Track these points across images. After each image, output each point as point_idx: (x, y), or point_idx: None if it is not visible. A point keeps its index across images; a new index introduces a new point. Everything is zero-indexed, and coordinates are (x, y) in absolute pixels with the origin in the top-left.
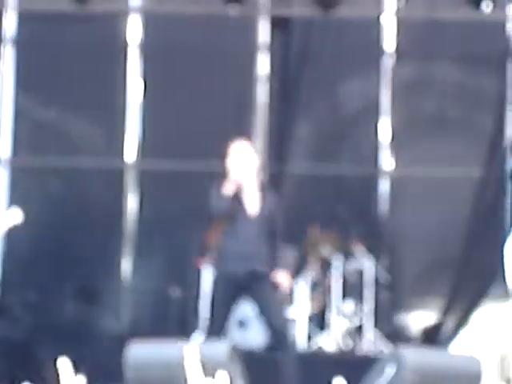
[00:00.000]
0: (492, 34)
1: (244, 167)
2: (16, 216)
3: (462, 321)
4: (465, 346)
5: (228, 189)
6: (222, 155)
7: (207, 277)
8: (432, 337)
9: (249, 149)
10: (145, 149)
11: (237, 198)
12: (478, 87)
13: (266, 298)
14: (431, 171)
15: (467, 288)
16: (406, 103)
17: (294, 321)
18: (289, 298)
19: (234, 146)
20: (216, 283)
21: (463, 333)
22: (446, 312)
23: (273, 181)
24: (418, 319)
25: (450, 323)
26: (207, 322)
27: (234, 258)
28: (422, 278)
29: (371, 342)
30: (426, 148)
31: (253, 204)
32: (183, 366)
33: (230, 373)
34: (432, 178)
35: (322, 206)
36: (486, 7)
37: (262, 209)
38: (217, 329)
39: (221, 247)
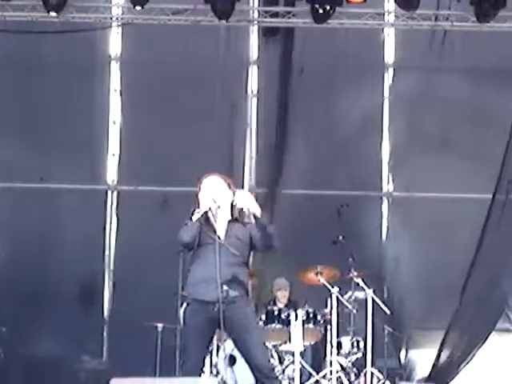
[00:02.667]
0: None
1: (212, 198)
2: None
3: (466, 355)
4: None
5: (195, 217)
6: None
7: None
8: (435, 374)
9: (219, 181)
10: (125, 170)
11: (206, 225)
12: (485, 102)
13: (242, 327)
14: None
15: (473, 320)
16: (408, 120)
17: (291, 354)
18: (285, 331)
19: (205, 179)
20: (189, 311)
21: (468, 366)
22: (448, 347)
23: (266, 201)
24: (420, 355)
25: (453, 358)
26: (186, 354)
27: (204, 285)
28: (424, 309)
29: (370, 377)
30: (429, 169)
31: (221, 231)
32: None
33: None
34: (434, 199)
35: (320, 226)
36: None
37: (234, 235)
38: (195, 360)
39: (190, 274)
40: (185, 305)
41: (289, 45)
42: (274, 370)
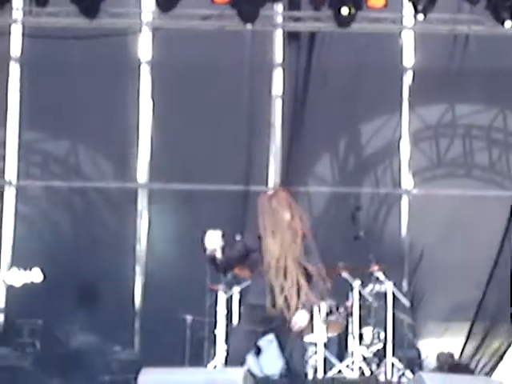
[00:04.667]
0: None
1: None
2: (36, 276)
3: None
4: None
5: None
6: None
7: (223, 302)
8: (453, 363)
9: (281, 200)
10: (156, 169)
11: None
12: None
13: (285, 334)
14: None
15: (497, 312)
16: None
17: (313, 346)
18: (309, 325)
19: (263, 199)
20: (243, 315)
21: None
22: (469, 339)
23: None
24: (439, 346)
25: (473, 350)
26: (226, 350)
27: (261, 294)
28: (444, 303)
29: (391, 368)
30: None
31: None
32: None
33: None
34: (456, 197)
35: (341, 227)
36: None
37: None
38: (236, 358)
39: (251, 283)
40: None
41: (311, 48)
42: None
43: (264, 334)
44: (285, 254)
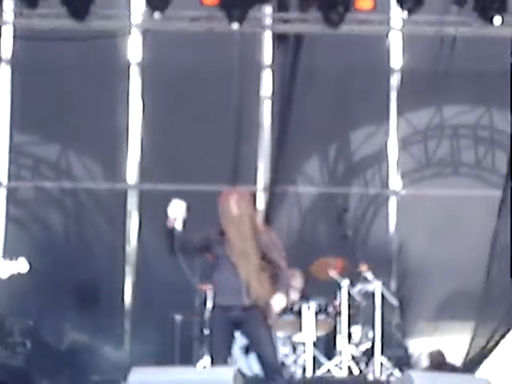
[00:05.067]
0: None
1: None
2: (22, 266)
3: (494, 344)
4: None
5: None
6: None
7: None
8: (441, 362)
9: (239, 199)
10: (146, 170)
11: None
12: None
13: (255, 332)
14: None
15: (498, 309)
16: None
17: (302, 345)
18: (297, 322)
19: (223, 197)
20: (212, 316)
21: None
22: (478, 337)
23: (276, 201)
24: (427, 344)
25: (482, 347)
26: (210, 350)
27: (225, 293)
28: (432, 301)
29: (380, 367)
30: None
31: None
32: None
33: None
34: (443, 197)
35: (329, 227)
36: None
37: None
38: (220, 357)
39: (213, 282)
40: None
41: (299, 50)
42: (280, 367)
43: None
44: (245, 245)
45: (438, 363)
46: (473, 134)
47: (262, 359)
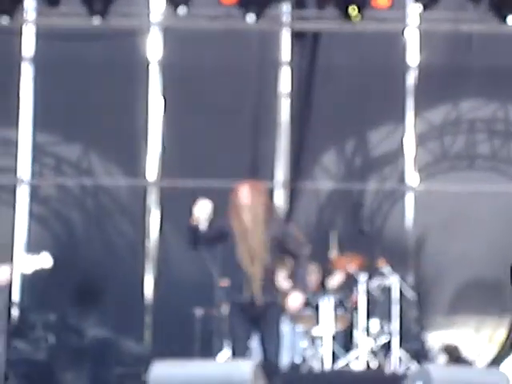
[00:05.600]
0: None
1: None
2: (46, 261)
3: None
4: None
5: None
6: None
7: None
8: (458, 354)
9: (250, 190)
10: (166, 167)
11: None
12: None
13: (268, 328)
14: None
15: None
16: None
17: (320, 339)
18: (314, 317)
19: (235, 189)
20: (231, 310)
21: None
22: (476, 330)
23: (294, 197)
24: (444, 337)
25: (480, 341)
26: (230, 343)
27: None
28: (449, 295)
29: (398, 360)
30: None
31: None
32: None
33: None
34: (459, 191)
35: (346, 222)
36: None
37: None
38: (239, 350)
39: (230, 276)
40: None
41: (316, 47)
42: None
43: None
44: (252, 240)
45: (454, 357)
46: (488, 128)
47: (265, 355)
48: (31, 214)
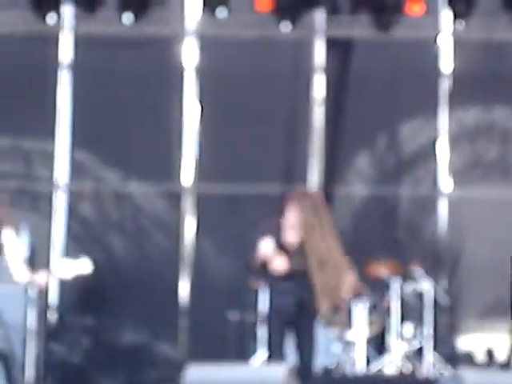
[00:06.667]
0: None
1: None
2: (86, 266)
3: None
4: None
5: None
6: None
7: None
8: (493, 359)
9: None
10: (201, 172)
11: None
12: None
13: (305, 332)
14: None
15: None
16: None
17: (353, 344)
18: (348, 321)
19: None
20: (269, 315)
21: None
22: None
23: (327, 203)
24: (478, 342)
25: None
26: (266, 347)
27: (282, 293)
28: (481, 300)
29: (431, 364)
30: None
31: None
32: None
33: None
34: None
35: (380, 227)
36: None
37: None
38: (275, 354)
39: (270, 283)
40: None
41: (349, 53)
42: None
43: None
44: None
45: (490, 361)
46: None
47: (302, 360)
48: (70, 217)
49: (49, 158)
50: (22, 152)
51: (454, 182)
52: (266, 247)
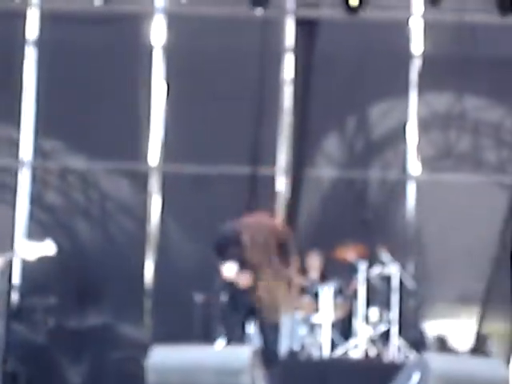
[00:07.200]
0: None
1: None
2: (49, 248)
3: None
4: None
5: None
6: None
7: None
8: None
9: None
10: (168, 152)
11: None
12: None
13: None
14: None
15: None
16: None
17: (319, 327)
18: (314, 304)
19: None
20: (229, 297)
21: None
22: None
23: (296, 185)
24: (442, 326)
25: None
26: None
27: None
28: (447, 284)
29: (397, 348)
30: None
31: None
32: (203, 371)
33: (252, 376)
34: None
35: (348, 210)
36: None
37: None
38: (236, 336)
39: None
40: None
41: (319, 34)
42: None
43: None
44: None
45: (443, 347)
46: (495, 134)
47: (264, 342)
48: (32, 198)
49: (13, 136)
50: None
51: (423, 167)
52: (228, 271)
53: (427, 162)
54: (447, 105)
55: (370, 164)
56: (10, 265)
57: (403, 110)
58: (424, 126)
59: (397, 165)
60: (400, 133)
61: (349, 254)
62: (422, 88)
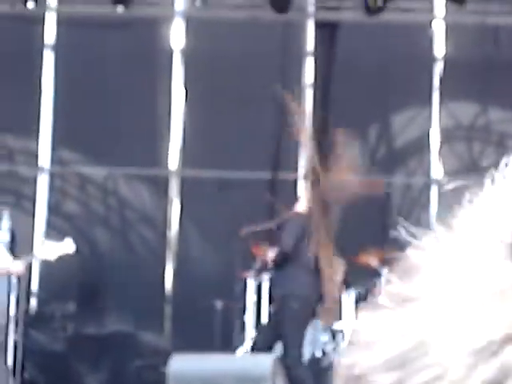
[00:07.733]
0: None
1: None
2: (69, 247)
3: None
4: None
5: None
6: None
7: (252, 289)
8: None
9: None
10: (187, 157)
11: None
12: None
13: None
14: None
15: None
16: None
17: (341, 333)
18: (337, 311)
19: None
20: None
21: None
22: None
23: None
24: None
25: None
26: (254, 336)
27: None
28: None
29: None
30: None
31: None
32: (224, 379)
33: None
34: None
35: (372, 216)
36: None
37: None
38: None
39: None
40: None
41: (340, 38)
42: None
43: None
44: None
45: None
46: None
47: (286, 349)
48: (50, 203)
49: (32, 144)
50: (4, 141)
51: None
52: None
53: (450, 175)
54: (470, 115)
55: (394, 170)
56: (29, 268)
57: (427, 115)
58: (447, 135)
59: (421, 172)
60: (424, 141)
61: (372, 259)
62: (445, 94)
